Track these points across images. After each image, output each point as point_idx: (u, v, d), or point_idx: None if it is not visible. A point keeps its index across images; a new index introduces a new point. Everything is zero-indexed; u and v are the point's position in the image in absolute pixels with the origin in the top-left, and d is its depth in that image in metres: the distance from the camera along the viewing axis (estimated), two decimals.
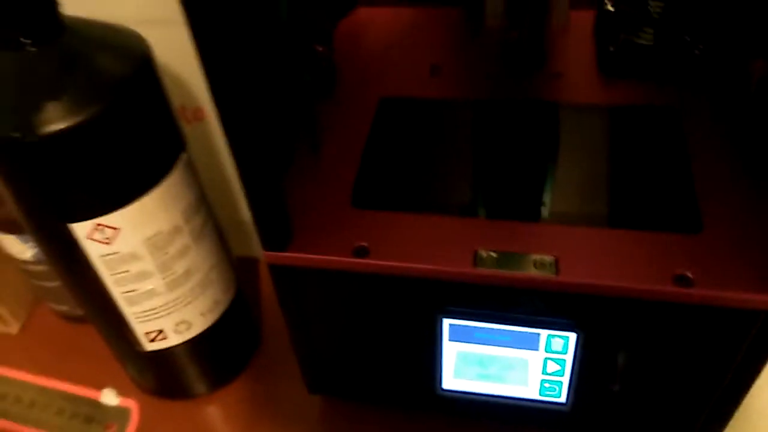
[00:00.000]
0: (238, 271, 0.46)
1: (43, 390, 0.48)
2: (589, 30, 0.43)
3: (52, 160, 0.31)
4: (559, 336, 0.34)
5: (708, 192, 0.33)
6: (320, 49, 0.32)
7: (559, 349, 0.34)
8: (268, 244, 0.32)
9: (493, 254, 0.31)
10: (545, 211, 0.34)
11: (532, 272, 0.30)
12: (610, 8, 0.43)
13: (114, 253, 0.34)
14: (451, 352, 0.36)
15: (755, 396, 0.42)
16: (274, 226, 0.31)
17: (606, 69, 0.40)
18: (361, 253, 0.31)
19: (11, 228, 0.44)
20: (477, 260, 0.31)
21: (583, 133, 0.38)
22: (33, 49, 0.30)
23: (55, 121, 0.29)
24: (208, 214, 0.39)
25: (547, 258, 0.30)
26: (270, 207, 0.31)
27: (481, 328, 0.34)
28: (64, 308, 0.51)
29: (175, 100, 0.39)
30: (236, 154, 0.28)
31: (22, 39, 0.30)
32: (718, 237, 0.31)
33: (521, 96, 0.40)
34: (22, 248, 0.45)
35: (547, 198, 0.35)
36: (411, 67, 0.42)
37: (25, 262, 0.46)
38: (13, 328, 0.52)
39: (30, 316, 0.53)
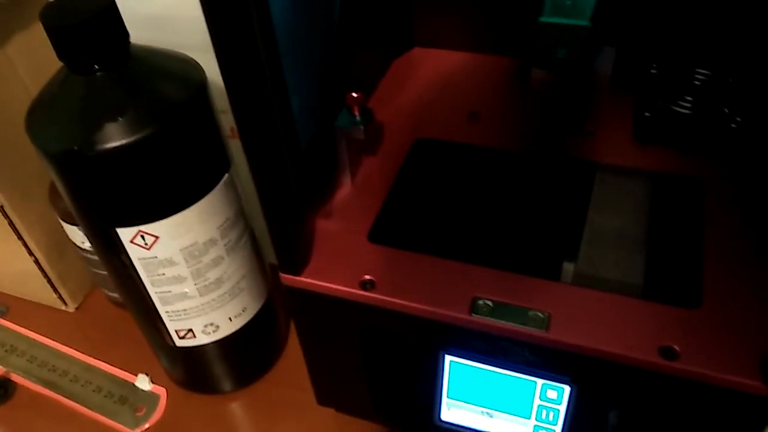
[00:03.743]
0: (273, 277, 0.47)
1: (88, 367, 0.52)
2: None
3: (105, 173, 0.34)
4: (554, 387, 0.35)
5: (715, 270, 0.33)
6: (355, 95, 0.34)
7: (554, 398, 0.35)
8: (283, 267, 0.34)
9: (490, 303, 0.32)
10: (553, 269, 0.35)
11: (523, 326, 0.31)
12: (654, 71, 0.43)
13: (152, 257, 0.38)
14: (451, 387, 0.37)
15: None
16: (290, 253, 0.34)
17: (639, 134, 0.41)
18: (368, 286, 0.34)
19: (74, 219, 0.46)
20: (473, 307, 0.32)
21: (604, 195, 0.38)
22: (101, 73, 0.33)
23: (112, 139, 0.33)
24: (244, 228, 0.42)
25: (540, 314, 0.32)
26: (287, 236, 0.33)
27: (480, 369, 0.36)
28: (115, 295, 0.54)
29: (228, 121, 0.42)
30: (259, 189, 0.31)
31: (93, 65, 0.33)
32: (714, 315, 0.31)
33: (552, 150, 0.41)
34: (82, 238, 0.49)
35: (559, 256, 0.36)
36: (450, 112, 0.44)
37: (84, 250, 0.50)
38: (70, 308, 0.57)
39: (86, 299, 0.58)
